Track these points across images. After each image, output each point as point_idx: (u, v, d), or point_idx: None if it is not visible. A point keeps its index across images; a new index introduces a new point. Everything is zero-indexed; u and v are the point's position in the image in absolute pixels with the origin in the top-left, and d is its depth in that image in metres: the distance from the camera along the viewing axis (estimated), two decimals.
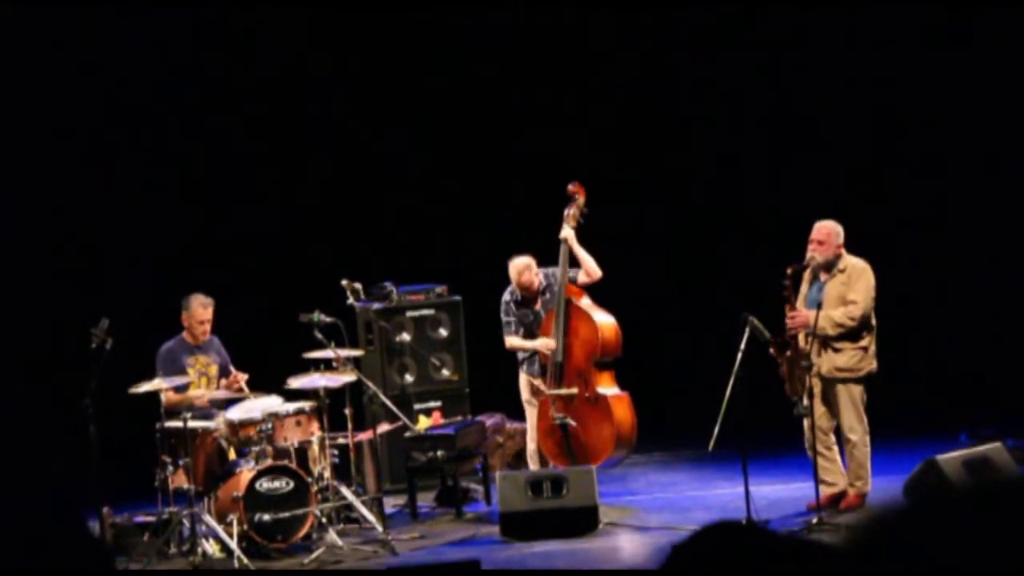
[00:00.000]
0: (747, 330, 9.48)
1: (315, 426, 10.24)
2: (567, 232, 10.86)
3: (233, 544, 9.55)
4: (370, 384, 10.89)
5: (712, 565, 2.44)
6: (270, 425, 10.02)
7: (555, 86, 14.01)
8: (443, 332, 12.19)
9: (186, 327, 10.63)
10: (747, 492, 9.38)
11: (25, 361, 12.65)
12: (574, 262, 10.90)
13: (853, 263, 9.86)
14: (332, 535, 9.81)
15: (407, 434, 11.08)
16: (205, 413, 10.20)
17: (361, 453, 11.15)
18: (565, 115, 13.97)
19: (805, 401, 9.60)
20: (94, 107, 13.35)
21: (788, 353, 9.72)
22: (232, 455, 10.11)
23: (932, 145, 13.66)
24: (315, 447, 10.21)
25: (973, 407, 12.24)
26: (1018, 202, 13.38)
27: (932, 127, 13.65)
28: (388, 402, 11.07)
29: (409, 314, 12.10)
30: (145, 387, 9.82)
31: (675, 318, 13.71)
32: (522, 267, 10.94)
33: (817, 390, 9.78)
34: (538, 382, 10.90)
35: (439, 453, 10.79)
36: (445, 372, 12.13)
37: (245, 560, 9.50)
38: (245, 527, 9.68)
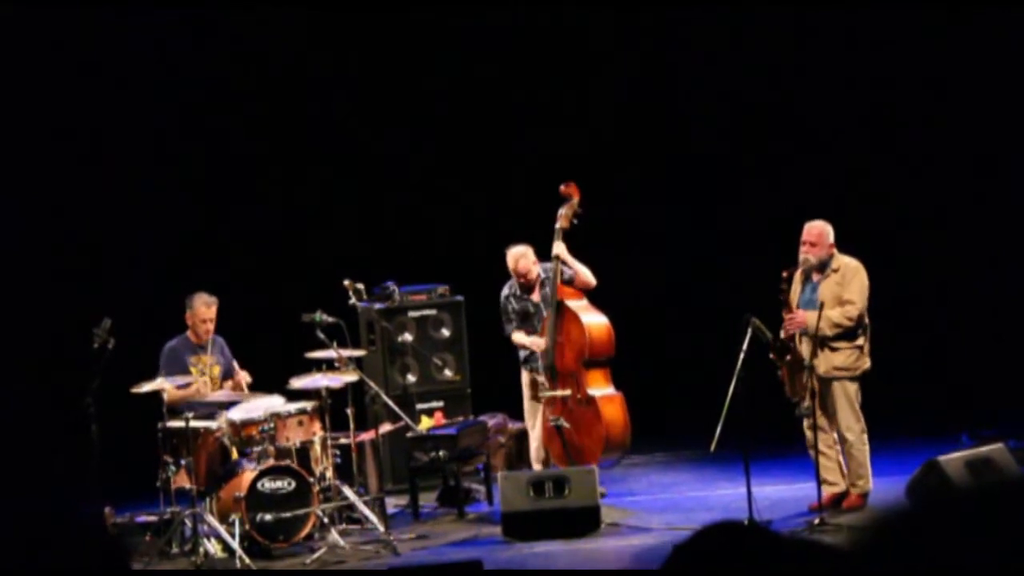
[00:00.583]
0: (749, 331, 9.50)
1: (317, 426, 10.25)
2: (559, 248, 10.84)
3: (235, 544, 9.56)
4: (372, 384, 10.90)
5: (713, 565, 2.44)
6: (272, 425, 10.03)
7: (555, 86, 14.00)
8: (445, 332, 12.20)
9: (189, 326, 10.63)
10: (749, 492, 9.39)
11: (27, 361, 12.65)
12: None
13: (846, 262, 9.88)
14: (334, 535, 9.81)
15: (409, 434, 11.08)
16: (207, 413, 10.20)
17: (363, 453, 11.16)
18: (566, 115, 13.97)
19: (807, 402, 9.61)
20: (94, 107, 13.35)
21: (788, 357, 9.73)
22: (234, 455, 10.11)
23: (932, 145, 13.65)
24: (317, 447, 10.22)
25: (975, 408, 12.24)
26: (1018, 202, 13.37)
27: (932, 127, 13.64)
28: (390, 402, 11.07)
29: (411, 314, 12.10)
30: (147, 387, 9.83)
31: (677, 318, 13.70)
32: (518, 254, 10.95)
33: (817, 391, 9.78)
34: (542, 379, 10.89)
35: (441, 453, 10.80)
36: (447, 372, 12.13)
37: (247, 560, 9.51)
38: (247, 527, 9.69)
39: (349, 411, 10.35)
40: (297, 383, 10.24)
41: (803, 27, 13.72)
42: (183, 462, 9.86)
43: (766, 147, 13.93)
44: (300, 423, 10.18)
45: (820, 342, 9.71)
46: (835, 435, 9.92)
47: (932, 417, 12.30)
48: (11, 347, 12.56)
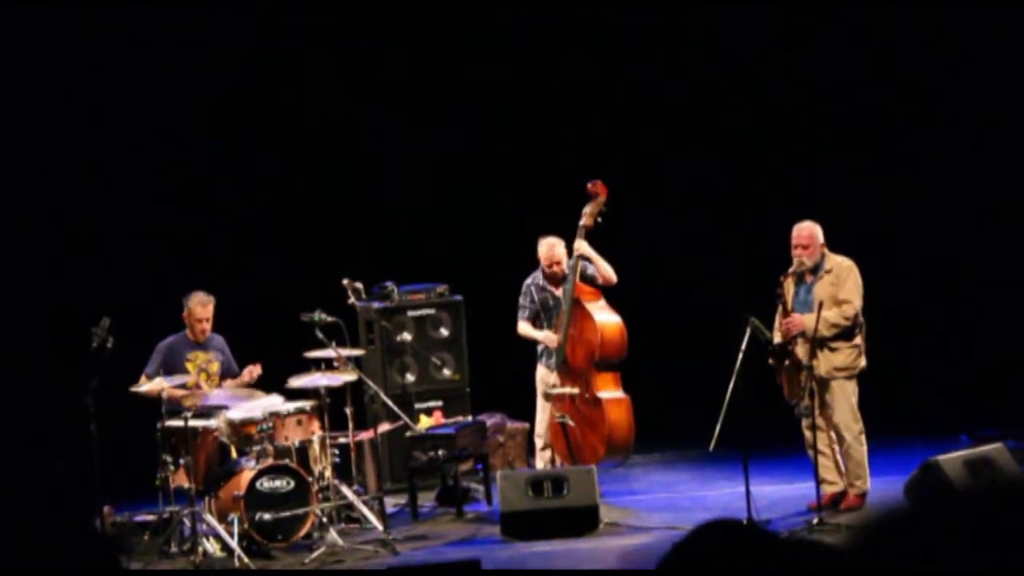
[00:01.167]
0: (748, 330, 9.50)
1: (316, 425, 10.24)
2: (581, 244, 10.79)
3: (234, 543, 9.56)
4: (371, 383, 10.90)
5: (711, 564, 2.44)
6: (271, 424, 10.03)
7: (557, 86, 14.00)
8: (444, 332, 12.19)
9: (187, 324, 10.63)
10: (748, 492, 9.39)
11: (26, 360, 12.65)
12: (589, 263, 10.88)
13: (839, 262, 9.89)
14: (333, 534, 9.81)
15: (408, 434, 11.08)
16: (206, 412, 10.20)
17: (362, 452, 11.16)
18: (567, 115, 13.96)
19: (805, 402, 9.61)
20: (94, 106, 13.35)
21: (787, 361, 9.73)
22: (233, 454, 10.11)
23: (932, 144, 13.66)
24: (316, 446, 10.22)
25: (974, 408, 12.24)
26: (1019, 202, 13.38)
27: (933, 126, 13.65)
28: (389, 401, 11.07)
29: (410, 313, 12.10)
30: (146, 386, 9.83)
31: (676, 318, 13.69)
32: (553, 242, 10.90)
33: (816, 391, 9.78)
34: (554, 376, 10.88)
35: (440, 453, 10.80)
36: (446, 372, 12.13)
37: (246, 559, 9.51)
38: (246, 526, 9.69)
39: (348, 410, 10.35)
40: (296, 382, 10.24)
41: (802, 27, 13.72)
42: (182, 461, 9.85)
43: (766, 146, 13.93)
44: (299, 422, 10.18)
45: (819, 343, 9.70)
46: (834, 435, 9.92)
47: (931, 417, 12.30)
48: (10, 347, 12.56)
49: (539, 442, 11.01)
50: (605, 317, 10.79)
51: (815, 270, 9.87)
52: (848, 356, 9.79)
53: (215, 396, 10.32)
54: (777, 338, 9.83)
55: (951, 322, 13.51)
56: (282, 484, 9.83)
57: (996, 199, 13.50)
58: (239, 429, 10.05)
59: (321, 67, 13.95)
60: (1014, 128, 13.42)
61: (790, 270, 9.86)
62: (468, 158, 14.00)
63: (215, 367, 10.63)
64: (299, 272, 13.22)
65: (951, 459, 9.30)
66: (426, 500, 11.17)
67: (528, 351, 11.16)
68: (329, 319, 10.38)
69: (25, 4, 13.07)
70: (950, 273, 13.50)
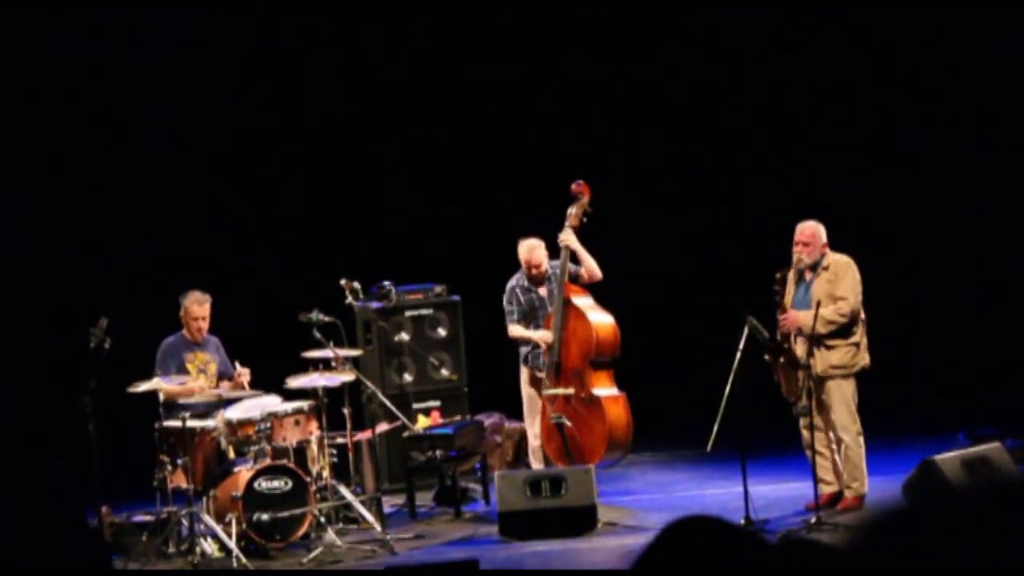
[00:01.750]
0: (746, 330, 9.49)
1: (314, 425, 10.24)
2: (567, 236, 10.83)
3: (232, 543, 9.56)
4: (369, 384, 10.90)
5: (684, 562, 2.45)
6: (269, 424, 10.03)
7: (555, 85, 14.01)
8: (442, 332, 12.19)
9: (184, 324, 10.63)
10: (746, 492, 9.39)
11: (24, 360, 12.65)
12: (575, 259, 10.89)
13: (837, 259, 9.87)
14: (331, 534, 9.81)
15: (406, 434, 11.08)
16: (203, 412, 10.20)
17: (360, 452, 11.16)
18: (565, 114, 13.97)
19: (803, 401, 9.60)
20: (94, 106, 13.35)
21: (783, 359, 9.72)
22: (231, 454, 10.11)
23: (932, 144, 13.67)
24: (314, 446, 10.21)
25: (971, 407, 12.24)
26: (1019, 201, 13.38)
27: (933, 126, 13.66)
28: (387, 401, 11.07)
29: (408, 314, 12.10)
30: (144, 386, 9.82)
31: (674, 317, 13.70)
32: (533, 245, 10.91)
33: (814, 390, 9.76)
34: (542, 374, 10.87)
35: (438, 453, 10.80)
36: (444, 372, 12.13)
37: (244, 559, 9.50)
38: (244, 526, 9.68)
39: (346, 410, 10.35)
40: (294, 382, 10.23)
41: (802, 27, 13.73)
42: (180, 461, 9.85)
43: (766, 146, 13.93)
44: (297, 422, 10.18)
45: (816, 341, 9.70)
46: (832, 435, 9.91)
47: (929, 416, 12.31)
48: (9, 346, 12.55)
49: (535, 463, 10.96)
50: (598, 316, 10.80)
51: (813, 268, 9.86)
52: (845, 354, 9.77)
53: (221, 389, 10.35)
54: (778, 335, 9.81)
55: (949, 321, 13.51)
56: (280, 484, 9.82)
57: (996, 199, 13.50)
58: (237, 429, 10.05)
59: (321, 67, 13.95)
60: (1014, 128, 13.43)
61: (790, 268, 9.85)
62: (467, 158, 14.00)
63: (213, 368, 10.63)
64: (297, 272, 13.22)
65: (949, 458, 9.29)
66: (424, 500, 11.17)
67: None
68: (327, 319, 10.38)
69: (25, 4, 13.06)
70: (949, 272, 13.50)
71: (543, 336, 10.82)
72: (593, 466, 10.25)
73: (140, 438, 10.15)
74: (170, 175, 13.57)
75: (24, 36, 13.09)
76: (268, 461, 9.93)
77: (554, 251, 10.94)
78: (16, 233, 12.98)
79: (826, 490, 9.84)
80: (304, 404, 10.24)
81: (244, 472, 9.85)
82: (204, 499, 9.96)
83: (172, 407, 9.98)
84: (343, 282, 11.26)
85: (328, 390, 10.30)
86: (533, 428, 11.02)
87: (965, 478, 9.13)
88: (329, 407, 10.31)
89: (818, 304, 9.58)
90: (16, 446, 11.60)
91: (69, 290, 12.73)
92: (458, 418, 11.54)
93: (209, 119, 13.63)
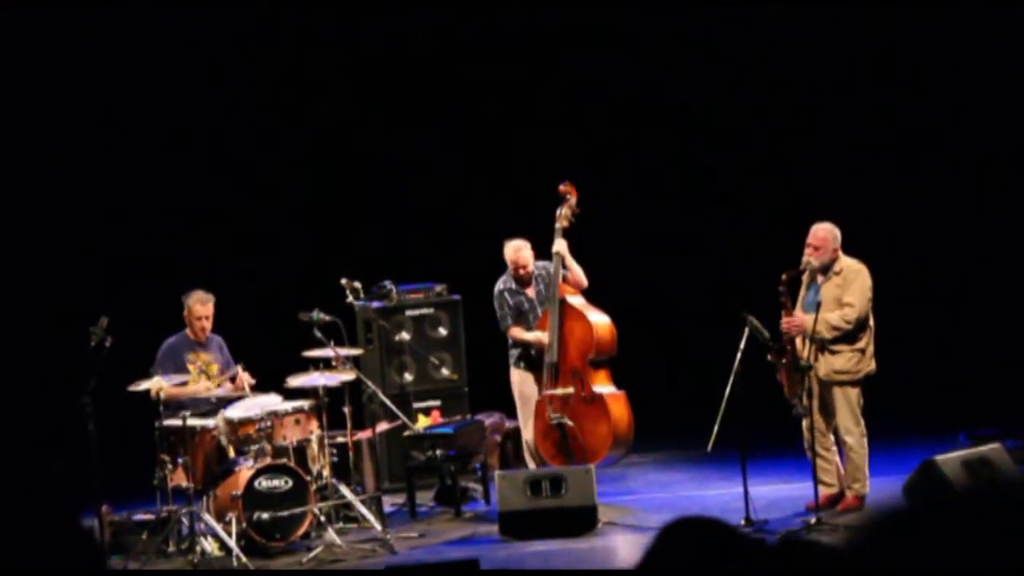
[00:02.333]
0: (746, 330, 9.48)
1: (314, 425, 10.24)
2: (560, 244, 10.85)
3: (232, 542, 9.55)
4: (369, 383, 10.90)
5: (684, 563, 2.45)
6: (269, 423, 10.03)
7: (555, 85, 14.01)
8: (442, 331, 12.19)
9: (187, 324, 10.63)
10: (746, 492, 9.39)
11: (24, 360, 12.65)
12: (564, 265, 10.92)
13: (849, 264, 9.81)
14: (331, 534, 9.80)
15: (406, 433, 11.08)
16: (204, 411, 10.20)
17: (360, 452, 11.16)
18: (565, 114, 13.97)
19: (804, 402, 9.59)
20: (94, 106, 13.35)
21: (784, 360, 9.70)
22: (231, 453, 10.10)
23: (932, 144, 13.66)
24: (314, 446, 10.21)
25: (972, 407, 12.24)
26: (1019, 201, 13.38)
27: (932, 125, 13.66)
28: (387, 401, 11.07)
29: (408, 313, 12.10)
30: (144, 385, 9.82)
31: (675, 317, 13.70)
32: (519, 246, 10.94)
33: (815, 392, 9.75)
34: (529, 374, 10.87)
35: (438, 452, 10.80)
36: (444, 371, 12.13)
37: (244, 559, 9.50)
38: (244, 525, 9.68)
39: (346, 410, 10.35)
40: (294, 382, 10.24)
41: (803, 26, 13.73)
42: (180, 460, 9.85)
43: (766, 145, 13.93)
44: (297, 422, 10.18)
45: (820, 345, 9.67)
46: (832, 436, 9.90)
47: (929, 417, 12.30)
48: (9, 346, 12.56)
49: (531, 464, 10.95)
50: (596, 316, 10.82)
51: (825, 271, 9.81)
52: (849, 360, 9.72)
53: (215, 392, 10.35)
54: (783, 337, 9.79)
55: (950, 322, 13.51)
56: (280, 483, 9.82)
57: (996, 198, 13.50)
58: (237, 428, 10.05)
59: (321, 67, 13.94)
60: (1014, 127, 13.42)
61: (798, 269, 9.79)
62: (468, 158, 14.00)
63: (215, 369, 10.62)
64: (298, 271, 13.22)
65: (949, 459, 9.29)
66: (424, 499, 11.17)
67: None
68: (327, 318, 10.38)
69: (25, 4, 13.06)
70: (949, 272, 13.49)
71: (539, 338, 10.83)
72: (593, 466, 10.25)
73: (141, 437, 10.15)
74: (171, 175, 13.56)
75: (24, 36, 13.09)
76: (268, 460, 9.93)
77: (541, 253, 10.95)
78: (16, 232, 12.98)
79: (826, 491, 9.83)
80: (305, 403, 10.24)
81: (244, 471, 9.85)
82: (204, 498, 9.96)
83: (172, 406, 9.97)
84: (344, 281, 11.26)
85: (328, 389, 10.29)
86: (527, 429, 11.02)
87: (966, 479, 9.13)
88: (329, 406, 10.31)
89: (818, 307, 9.56)
90: (16, 446, 11.60)
91: (69, 289, 12.73)
92: (458, 418, 11.54)
93: (210, 119, 13.63)
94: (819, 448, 9.78)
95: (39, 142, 13.18)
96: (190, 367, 10.51)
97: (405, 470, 11.13)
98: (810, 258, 9.76)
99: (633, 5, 13.86)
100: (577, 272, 10.91)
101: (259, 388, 10.47)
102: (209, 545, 9.74)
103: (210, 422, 10.08)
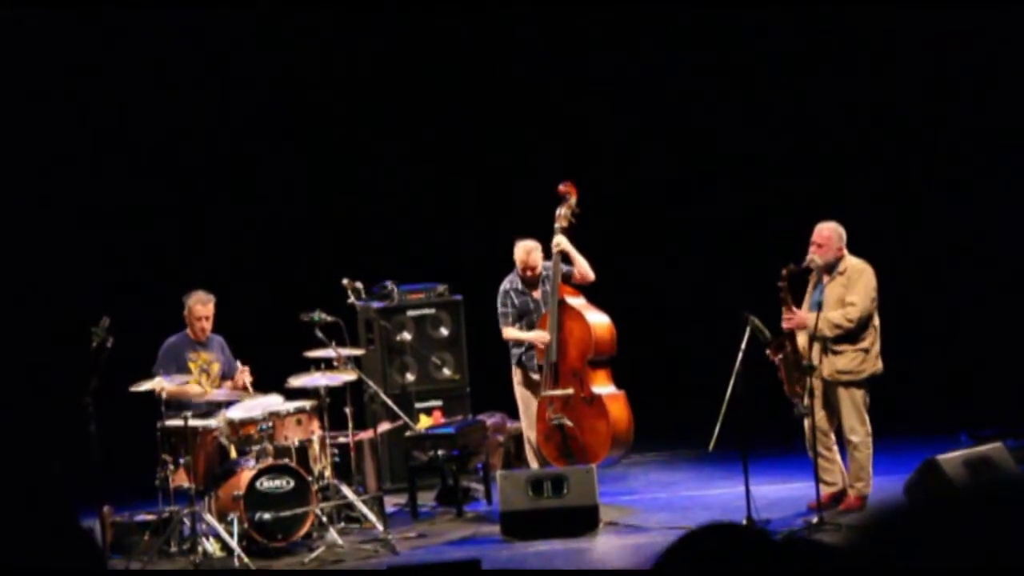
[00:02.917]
0: (748, 329, 9.48)
1: (316, 425, 10.24)
2: (560, 239, 10.85)
3: (233, 543, 9.56)
4: (371, 383, 10.90)
5: (705, 567, 2.44)
6: (271, 424, 10.02)
7: (555, 85, 14.00)
8: (444, 331, 12.19)
9: (187, 324, 10.63)
10: (747, 492, 9.39)
11: (26, 360, 12.65)
12: (567, 260, 10.90)
13: (853, 264, 9.79)
14: (332, 534, 9.81)
15: (408, 433, 11.08)
16: (205, 412, 10.20)
17: (362, 452, 11.15)
18: (566, 114, 13.96)
19: (805, 401, 9.58)
20: (95, 106, 13.35)
21: (781, 356, 9.69)
22: (233, 454, 10.11)
23: (931, 144, 13.66)
24: (316, 446, 10.21)
25: (973, 407, 12.23)
26: (1019, 201, 13.37)
27: (932, 125, 13.65)
28: (389, 401, 11.07)
29: (410, 313, 12.10)
30: (146, 385, 9.82)
31: (675, 317, 13.69)
32: (530, 247, 10.91)
33: (818, 392, 9.73)
34: (537, 376, 10.88)
35: (440, 452, 10.79)
36: (446, 371, 12.12)
37: (245, 559, 9.50)
38: (245, 526, 9.68)
39: (348, 410, 10.35)
40: (296, 382, 10.24)
41: (803, 26, 13.73)
42: (182, 461, 9.85)
43: (767, 145, 13.92)
44: (299, 422, 10.18)
45: (824, 345, 9.65)
46: (833, 436, 9.89)
47: (931, 416, 12.29)
48: (10, 346, 12.55)
49: (533, 464, 10.94)
50: (595, 316, 10.81)
51: (830, 271, 9.79)
52: (852, 360, 9.70)
53: (219, 393, 10.35)
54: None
55: (951, 321, 13.50)
56: (282, 484, 9.82)
57: (996, 198, 13.49)
58: (239, 429, 10.05)
59: (321, 66, 13.94)
60: (1014, 127, 13.41)
61: (799, 266, 9.77)
62: (470, 157, 14.00)
63: (216, 368, 10.62)
64: (299, 272, 13.22)
65: (951, 458, 9.29)
66: (426, 500, 11.17)
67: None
68: (329, 319, 10.38)
69: (25, 4, 13.06)
70: (950, 272, 13.49)
71: (540, 336, 10.81)
72: (595, 466, 10.25)
73: (142, 437, 10.15)
74: (171, 175, 13.56)
75: (24, 36, 13.09)
76: (270, 460, 9.93)
77: (548, 254, 10.94)
78: (17, 232, 12.98)
79: (828, 490, 9.82)
80: (306, 403, 10.24)
81: (246, 471, 9.85)
82: (206, 498, 9.96)
83: (174, 406, 9.97)
84: (345, 281, 11.27)
85: (330, 389, 10.30)
86: (529, 429, 11.02)
87: (967, 478, 9.12)
88: (331, 407, 10.31)
89: (819, 306, 9.55)
90: (16, 446, 11.60)
91: (70, 289, 12.73)
92: (460, 418, 11.54)
93: (211, 118, 13.62)
94: (820, 447, 9.76)
95: (40, 141, 13.17)
96: (191, 366, 10.51)
97: (407, 470, 11.12)
98: (814, 256, 9.74)
99: (633, 5, 13.85)
100: (582, 265, 10.87)
101: (260, 388, 10.47)
102: (211, 546, 9.75)
103: (212, 422, 10.08)
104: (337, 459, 10.38)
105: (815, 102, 13.80)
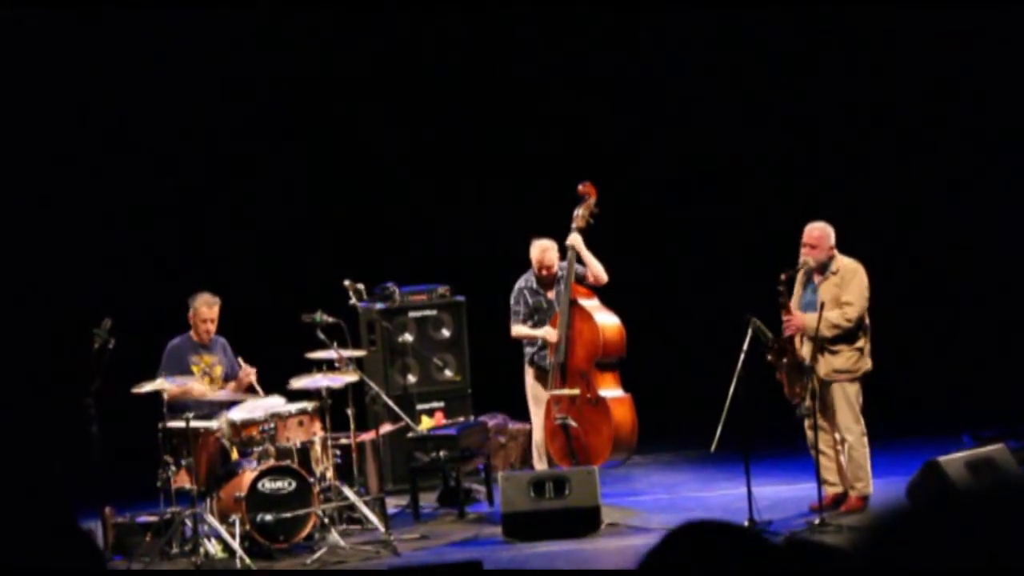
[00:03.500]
0: (750, 331, 9.49)
1: (317, 426, 10.24)
2: (574, 238, 10.84)
3: (235, 544, 9.56)
4: (372, 384, 10.89)
5: (687, 569, 2.44)
6: (272, 425, 10.02)
7: (557, 86, 14.00)
8: (445, 333, 12.19)
9: (191, 325, 10.63)
10: (749, 493, 9.39)
11: (27, 361, 12.65)
12: (580, 261, 10.90)
13: (845, 264, 9.83)
14: (334, 535, 9.81)
15: (409, 434, 11.07)
16: (207, 413, 10.20)
17: (363, 453, 11.15)
18: (567, 114, 13.96)
19: (807, 402, 9.59)
20: (95, 105, 13.35)
21: (785, 359, 9.70)
22: (234, 455, 10.11)
23: (931, 144, 13.65)
24: (317, 447, 10.21)
25: (975, 408, 12.23)
26: (1019, 201, 13.37)
27: (930, 125, 13.65)
28: (390, 402, 11.06)
29: (411, 314, 12.10)
30: (148, 387, 9.82)
31: (678, 318, 13.69)
32: (546, 246, 10.90)
33: (819, 392, 9.75)
34: (548, 377, 10.87)
35: (441, 453, 10.80)
36: (447, 373, 12.12)
37: (247, 560, 9.51)
38: (247, 527, 9.68)
39: (349, 411, 10.35)
40: (297, 383, 10.24)
41: (803, 25, 13.72)
42: (183, 462, 9.85)
43: (767, 145, 13.92)
44: (300, 423, 10.18)
45: (820, 344, 9.68)
46: (835, 436, 9.90)
47: (933, 417, 12.29)
48: (12, 347, 12.56)
49: (539, 464, 10.94)
50: (605, 317, 10.80)
51: (822, 271, 9.82)
52: (849, 359, 9.74)
53: (221, 395, 10.35)
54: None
55: (952, 322, 13.50)
56: (284, 485, 9.82)
57: (996, 198, 13.49)
58: (240, 430, 10.05)
59: (321, 67, 13.94)
60: (1014, 127, 13.41)
61: (796, 269, 9.82)
62: (471, 157, 14.00)
63: (218, 371, 10.63)
64: (300, 273, 13.22)
65: (953, 459, 9.29)
66: (427, 501, 11.17)
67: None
68: (330, 320, 10.38)
69: (25, 4, 13.06)
70: (951, 272, 13.48)
71: (549, 333, 10.81)
72: (597, 467, 10.25)
73: (144, 439, 10.15)
74: (172, 175, 13.57)
75: (24, 36, 13.09)
76: (272, 462, 9.93)
77: (563, 254, 10.93)
78: (17, 233, 12.98)
79: (830, 491, 9.83)
80: (308, 405, 10.24)
81: (248, 473, 9.85)
82: (208, 500, 9.97)
83: (176, 408, 9.97)
84: (347, 283, 11.27)
85: (332, 391, 10.30)
86: (537, 427, 11.00)
87: (969, 479, 9.12)
88: (333, 408, 10.31)
89: (822, 306, 9.57)
90: (16, 446, 11.60)
91: (72, 290, 12.73)
92: (462, 419, 11.54)
93: (211, 118, 13.62)
94: (823, 447, 9.77)
95: (40, 141, 13.17)
96: (194, 369, 10.51)
97: (408, 472, 11.12)
98: (807, 257, 9.78)
99: (633, 5, 13.85)
100: (595, 266, 10.87)
101: (262, 390, 10.47)
102: (212, 547, 9.75)
103: (214, 424, 10.09)
104: (339, 460, 10.38)
105: (815, 102, 13.80)
